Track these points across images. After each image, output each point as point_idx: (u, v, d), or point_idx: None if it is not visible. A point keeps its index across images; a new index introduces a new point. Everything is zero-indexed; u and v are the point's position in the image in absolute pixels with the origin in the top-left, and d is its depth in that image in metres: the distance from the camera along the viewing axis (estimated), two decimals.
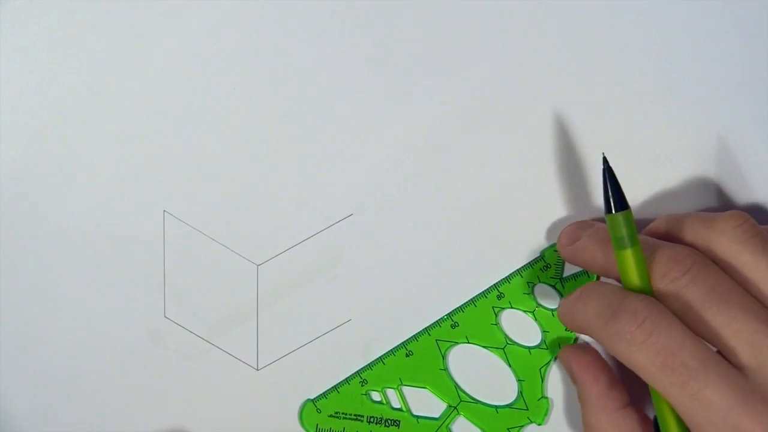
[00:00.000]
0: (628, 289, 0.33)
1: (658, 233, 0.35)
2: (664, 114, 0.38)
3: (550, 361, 0.39)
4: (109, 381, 0.39)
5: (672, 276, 0.32)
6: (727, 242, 0.32)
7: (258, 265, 0.39)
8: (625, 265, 0.33)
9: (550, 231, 0.38)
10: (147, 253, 0.39)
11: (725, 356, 0.31)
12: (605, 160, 0.33)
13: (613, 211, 0.33)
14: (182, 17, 0.38)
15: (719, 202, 0.38)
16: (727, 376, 0.30)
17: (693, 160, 0.38)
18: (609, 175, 0.33)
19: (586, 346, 0.37)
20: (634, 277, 0.33)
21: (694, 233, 0.34)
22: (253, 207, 0.39)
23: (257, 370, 0.39)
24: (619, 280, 0.34)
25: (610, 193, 0.33)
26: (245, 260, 0.39)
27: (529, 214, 0.38)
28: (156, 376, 0.39)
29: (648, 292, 0.33)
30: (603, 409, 0.35)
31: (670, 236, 0.35)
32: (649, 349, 0.31)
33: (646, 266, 0.33)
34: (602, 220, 0.36)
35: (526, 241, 0.38)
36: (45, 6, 0.38)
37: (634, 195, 0.38)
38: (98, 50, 0.38)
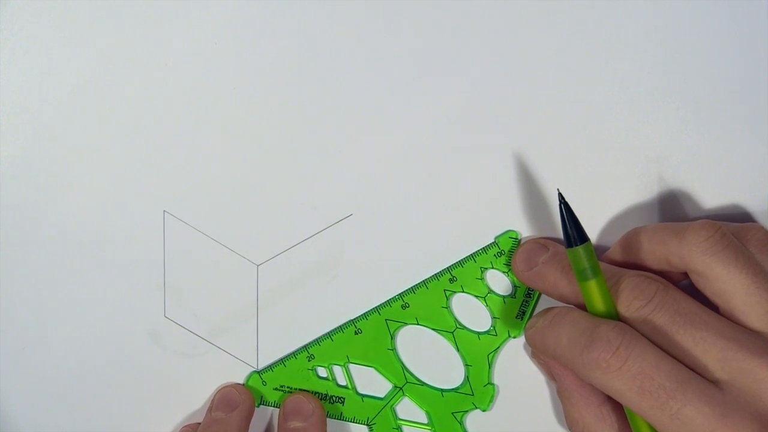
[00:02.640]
0: (596, 316, 0.33)
1: (628, 248, 0.36)
2: (664, 114, 0.38)
3: (498, 347, 0.39)
4: (109, 381, 0.40)
5: (637, 305, 0.33)
6: (700, 254, 0.33)
7: (258, 265, 0.39)
8: (590, 295, 0.33)
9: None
10: (147, 253, 0.39)
11: (698, 373, 0.32)
12: (561, 195, 0.34)
13: (574, 245, 0.34)
14: (183, 17, 0.38)
15: (719, 202, 0.38)
16: (703, 392, 0.31)
17: (693, 161, 0.38)
18: (566, 209, 0.34)
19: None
20: (600, 306, 0.33)
21: (665, 247, 0.34)
22: (253, 207, 0.39)
23: (257, 369, 0.40)
24: (584, 307, 0.34)
25: (568, 228, 0.34)
26: (245, 260, 0.39)
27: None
28: (156, 376, 0.39)
29: (615, 319, 0.33)
30: (586, 404, 0.35)
31: (641, 250, 0.35)
32: (626, 375, 0.31)
33: (610, 294, 0.33)
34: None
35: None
36: (45, 6, 0.38)
37: (634, 196, 0.38)
38: (98, 50, 0.38)
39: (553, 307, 0.35)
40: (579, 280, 0.34)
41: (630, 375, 0.31)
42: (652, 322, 0.32)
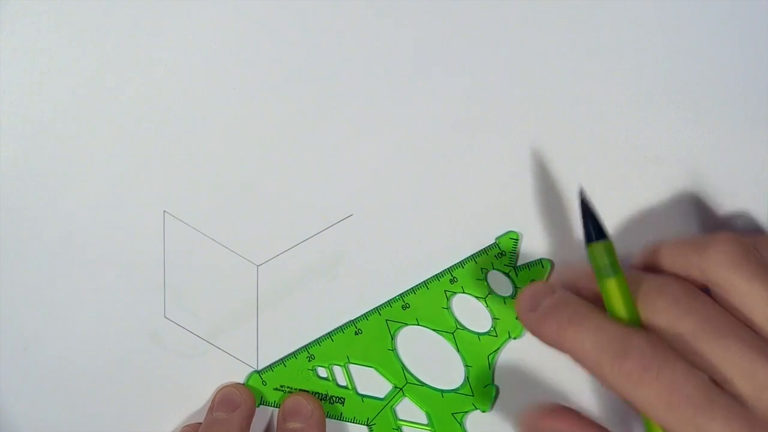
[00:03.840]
0: (618, 319, 0.32)
1: (648, 262, 0.35)
2: (664, 114, 0.38)
3: (498, 348, 0.39)
4: (109, 381, 0.40)
5: (661, 306, 0.32)
6: (722, 268, 0.32)
7: (258, 266, 0.39)
8: (609, 295, 0.33)
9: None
10: (147, 253, 0.39)
11: (721, 386, 0.31)
12: (582, 192, 0.34)
13: (594, 240, 0.33)
14: (182, 17, 0.38)
15: (719, 202, 0.38)
16: (731, 409, 0.30)
17: (693, 160, 0.38)
18: (585, 207, 0.33)
19: (559, 410, 0.35)
20: (620, 307, 0.32)
21: (686, 260, 0.33)
22: (253, 207, 0.39)
23: (257, 369, 0.40)
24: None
25: (590, 224, 0.33)
26: (245, 260, 0.39)
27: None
28: (156, 376, 0.39)
29: (636, 322, 0.32)
30: None
31: (661, 264, 0.34)
32: (655, 387, 0.31)
33: (631, 296, 0.32)
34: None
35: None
36: (45, 6, 0.38)
37: (634, 195, 0.38)
38: (98, 50, 0.38)
39: (556, 290, 0.34)
40: (599, 279, 0.33)
41: (659, 387, 0.30)
42: (677, 327, 0.31)
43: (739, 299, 0.32)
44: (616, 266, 0.33)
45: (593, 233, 0.33)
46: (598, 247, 0.33)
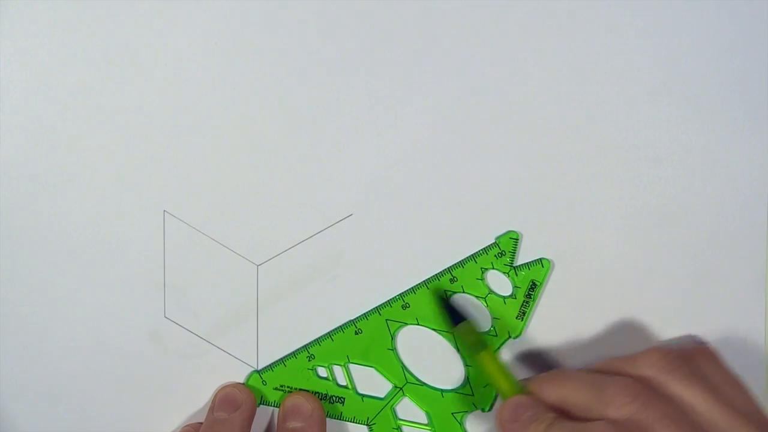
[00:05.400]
0: (496, 385, 0.36)
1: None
2: (664, 114, 0.38)
3: (498, 348, 0.39)
4: (109, 381, 0.40)
5: (622, 401, 0.33)
6: (654, 375, 0.34)
7: (258, 265, 0.39)
8: (486, 366, 0.37)
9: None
10: (147, 253, 0.39)
11: None
12: (437, 292, 0.38)
13: (456, 324, 0.38)
14: (183, 18, 0.38)
15: (719, 202, 0.38)
16: None
17: (693, 160, 0.38)
18: (440, 299, 0.38)
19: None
20: (497, 373, 0.36)
21: (620, 371, 0.35)
22: (253, 207, 0.39)
23: (257, 369, 0.40)
24: None
25: (449, 311, 0.38)
26: (245, 260, 0.39)
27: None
28: (156, 376, 0.39)
29: (514, 387, 0.36)
30: None
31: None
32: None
33: (502, 364, 0.37)
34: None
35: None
36: (45, 6, 0.38)
37: (635, 195, 0.38)
38: (98, 50, 0.38)
39: (534, 405, 0.35)
40: (471, 355, 0.37)
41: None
42: (638, 420, 0.33)
43: (679, 402, 0.33)
44: (482, 341, 0.37)
45: (454, 318, 0.38)
46: (462, 327, 0.37)
